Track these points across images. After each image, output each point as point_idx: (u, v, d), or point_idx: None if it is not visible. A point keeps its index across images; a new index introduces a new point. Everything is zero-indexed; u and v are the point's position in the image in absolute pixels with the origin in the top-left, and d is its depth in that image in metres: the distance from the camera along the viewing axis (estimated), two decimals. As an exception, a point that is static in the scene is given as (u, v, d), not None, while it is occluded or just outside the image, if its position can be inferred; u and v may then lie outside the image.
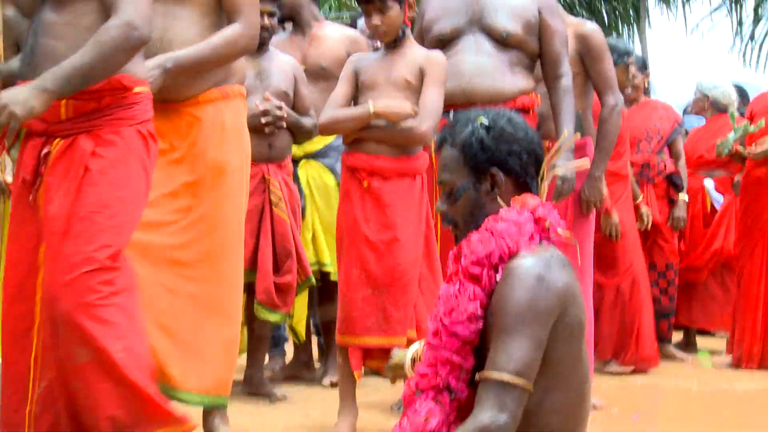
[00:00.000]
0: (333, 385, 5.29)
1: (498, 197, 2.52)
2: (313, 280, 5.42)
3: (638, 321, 6.29)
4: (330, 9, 15.18)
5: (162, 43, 3.70)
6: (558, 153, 2.65)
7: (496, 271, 2.38)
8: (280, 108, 5.10)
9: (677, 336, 7.56)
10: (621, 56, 6.29)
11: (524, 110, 4.57)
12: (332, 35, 5.81)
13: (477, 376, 2.33)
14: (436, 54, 4.45)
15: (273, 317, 5.15)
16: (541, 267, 2.35)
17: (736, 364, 6.63)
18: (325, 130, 4.60)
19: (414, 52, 4.44)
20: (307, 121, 5.33)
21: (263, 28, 5.03)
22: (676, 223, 7.00)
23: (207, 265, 3.88)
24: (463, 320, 2.38)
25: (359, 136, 4.38)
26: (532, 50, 4.72)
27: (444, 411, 2.39)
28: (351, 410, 4.32)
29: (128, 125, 3.46)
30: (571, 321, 2.39)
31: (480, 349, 2.41)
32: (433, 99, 4.32)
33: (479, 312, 2.38)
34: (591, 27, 5.37)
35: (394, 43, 4.45)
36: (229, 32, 3.83)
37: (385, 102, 4.31)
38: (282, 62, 5.42)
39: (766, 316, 6.54)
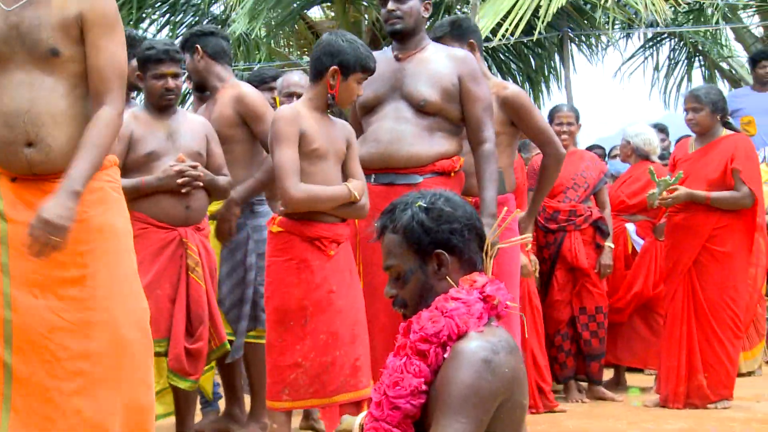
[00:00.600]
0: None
1: (446, 277, 2.55)
2: (228, 346, 5.25)
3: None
4: (260, 60, 14.80)
5: (30, 116, 3.50)
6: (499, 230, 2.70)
7: (444, 350, 2.41)
8: (195, 167, 4.96)
9: (608, 374, 7.61)
10: (551, 117, 6.84)
11: (445, 173, 4.66)
12: (223, 98, 5.64)
13: None
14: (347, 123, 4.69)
15: (183, 384, 4.95)
16: (489, 351, 2.38)
17: (663, 405, 6.64)
18: (301, 205, 4.30)
19: (338, 121, 4.62)
20: (221, 180, 5.21)
21: (167, 89, 5.07)
22: (603, 270, 7.05)
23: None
24: (406, 394, 2.41)
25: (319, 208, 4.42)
26: (454, 116, 4.77)
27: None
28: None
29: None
30: (514, 405, 2.43)
31: (421, 423, 2.44)
32: (362, 173, 4.55)
33: (423, 388, 2.41)
34: (512, 90, 5.42)
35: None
36: (106, 120, 3.56)
37: (357, 185, 4.43)
38: (192, 122, 5.35)
39: (689, 357, 6.58)
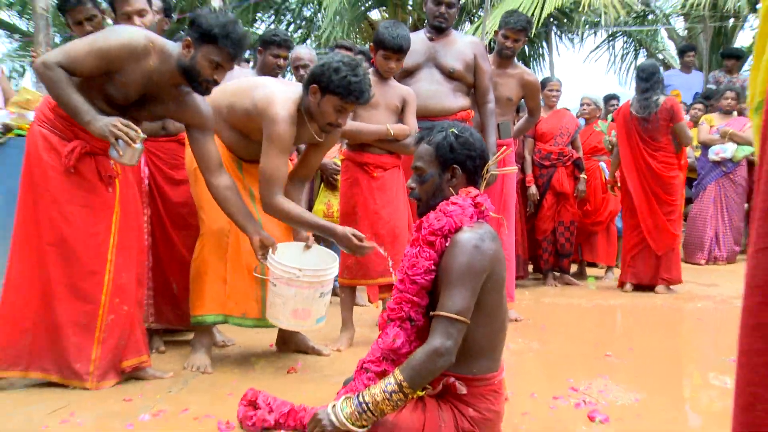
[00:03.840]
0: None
1: (452, 187, 2.58)
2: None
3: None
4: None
5: None
6: (494, 162, 2.70)
7: (446, 240, 2.46)
8: None
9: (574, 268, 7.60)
10: (544, 85, 6.66)
11: (463, 120, 4.62)
12: None
13: (431, 314, 2.42)
14: (411, 91, 4.46)
15: None
16: (477, 239, 2.43)
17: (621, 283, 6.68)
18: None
19: (398, 86, 4.42)
20: None
21: (278, 66, 4.87)
22: (580, 194, 6.98)
23: None
24: (421, 272, 2.47)
25: (366, 140, 4.31)
26: (469, 82, 4.79)
27: (406, 334, 2.51)
28: (350, 328, 4.36)
29: None
30: (497, 277, 2.49)
31: (432, 293, 2.49)
32: (415, 125, 4.35)
33: (432, 267, 2.47)
34: (533, 78, 5.51)
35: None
36: None
37: (399, 126, 4.30)
38: None
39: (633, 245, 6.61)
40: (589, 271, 7.69)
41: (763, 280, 0.78)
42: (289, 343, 4.11)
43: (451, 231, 2.46)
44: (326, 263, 3.57)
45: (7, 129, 3.74)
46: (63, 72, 3.16)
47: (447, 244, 2.46)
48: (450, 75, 4.72)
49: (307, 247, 3.71)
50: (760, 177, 0.89)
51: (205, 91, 3.35)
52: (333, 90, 3.47)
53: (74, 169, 3.29)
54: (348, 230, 3.49)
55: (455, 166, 2.58)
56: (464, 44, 4.83)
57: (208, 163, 3.52)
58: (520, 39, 5.26)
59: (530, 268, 7.41)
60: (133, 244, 3.53)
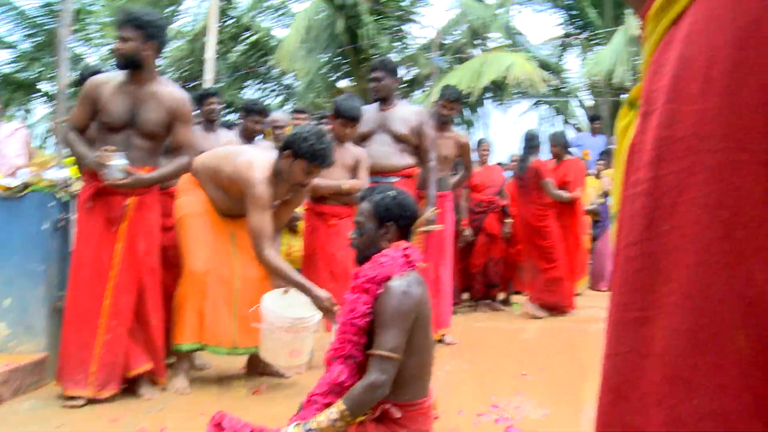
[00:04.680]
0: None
1: (387, 240, 2.50)
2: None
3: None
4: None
5: None
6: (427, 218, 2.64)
7: (379, 287, 2.38)
8: None
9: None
10: (478, 144, 6.67)
11: (408, 176, 4.61)
12: None
13: (368, 352, 2.34)
14: (363, 151, 4.42)
15: None
16: (405, 286, 2.36)
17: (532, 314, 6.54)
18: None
19: (353, 148, 4.37)
20: None
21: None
22: (506, 236, 6.94)
23: None
24: (359, 315, 2.38)
25: (325, 194, 4.27)
26: (414, 144, 4.67)
27: (349, 369, 2.40)
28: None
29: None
30: (423, 317, 2.42)
31: (369, 332, 2.39)
32: (367, 180, 4.31)
33: (368, 311, 2.38)
34: (466, 139, 5.45)
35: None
36: None
37: (353, 182, 4.25)
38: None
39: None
40: (514, 298, 7.62)
41: (615, 383, 0.70)
42: (257, 367, 3.98)
43: (383, 279, 2.38)
44: (310, 307, 3.41)
45: (26, 186, 3.73)
46: (73, 132, 3.42)
47: (380, 291, 2.38)
48: (398, 138, 4.63)
49: (285, 291, 3.56)
50: (623, 203, 0.75)
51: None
52: (303, 155, 3.46)
53: (90, 206, 3.38)
54: (324, 293, 3.33)
55: (389, 223, 2.52)
56: (410, 112, 4.74)
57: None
58: (454, 108, 5.21)
59: (466, 296, 7.31)
60: (138, 273, 3.46)
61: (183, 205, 3.75)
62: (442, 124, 5.23)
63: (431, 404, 2.55)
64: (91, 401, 3.29)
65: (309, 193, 4.25)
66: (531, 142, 6.46)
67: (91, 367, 3.29)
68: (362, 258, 2.53)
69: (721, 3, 0.65)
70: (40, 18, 13.80)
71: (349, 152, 4.32)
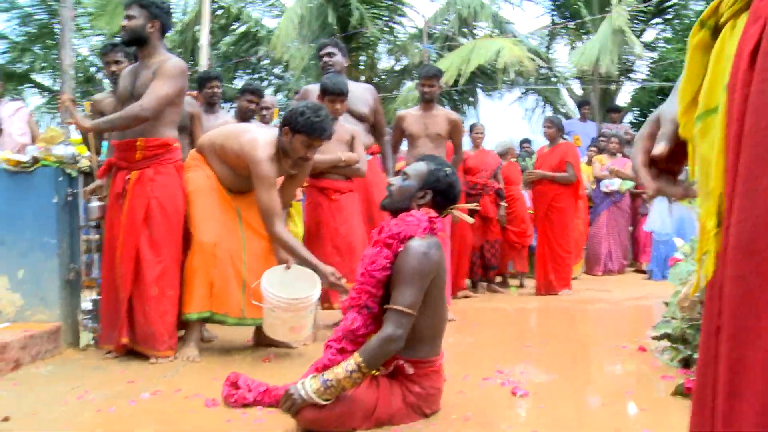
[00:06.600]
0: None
1: (419, 203, 2.60)
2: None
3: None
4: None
5: None
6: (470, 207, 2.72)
7: (401, 244, 2.46)
8: None
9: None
10: (471, 129, 6.73)
11: (372, 154, 4.81)
12: None
13: (385, 307, 2.42)
14: (357, 128, 4.51)
15: None
16: (426, 247, 2.45)
17: (537, 293, 6.73)
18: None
19: (346, 125, 4.42)
20: None
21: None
22: (502, 220, 7.03)
23: None
24: (378, 268, 2.47)
25: (326, 169, 4.29)
26: (372, 121, 4.81)
27: (363, 319, 2.50)
28: (315, 325, 4.27)
29: (171, 163, 3.64)
30: (440, 279, 2.53)
31: (386, 286, 2.48)
32: (364, 154, 4.38)
33: (388, 265, 2.47)
34: (457, 116, 5.35)
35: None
36: None
37: (350, 155, 4.27)
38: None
39: (543, 265, 6.71)
40: (511, 281, 7.69)
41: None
42: (263, 339, 4.02)
43: (406, 237, 2.47)
44: (311, 283, 3.49)
45: (35, 161, 3.76)
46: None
47: (401, 249, 2.45)
48: (360, 118, 4.71)
49: (287, 267, 3.62)
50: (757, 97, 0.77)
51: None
52: (300, 130, 3.49)
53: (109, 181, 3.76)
54: (329, 269, 3.48)
55: (429, 190, 2.59)
56: (364, 90, 4.86)
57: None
58: (434, 84, 5.13)
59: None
60: (136, 243, 3.56)
61: (190, 181, 3.79)
62: (426, 102, 5.19)
63: (442, 363, 2.64)
64: (109, 367, 3.45)
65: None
66: (560, 125, 6.92)
67: (119, 324, 3.55)
68: (388, 205, 2.62)
69: None
70: (33, 9, 13.74)
71: (343, 128, 4.35)
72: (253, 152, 3.54)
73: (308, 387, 2.35)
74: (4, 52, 13.45)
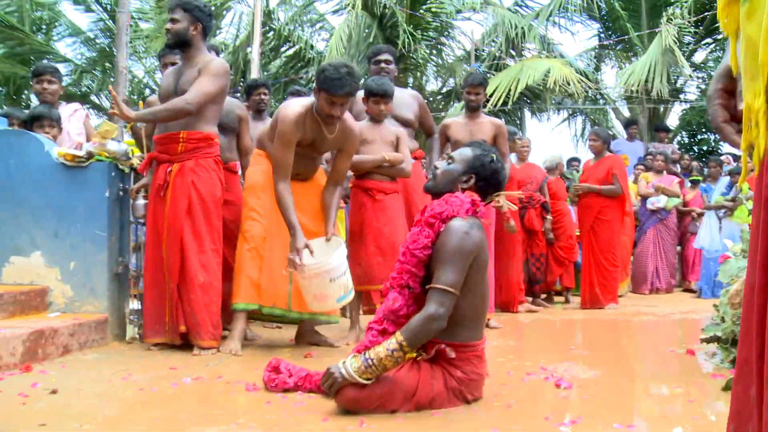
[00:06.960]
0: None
1: (462, 187, 2.58)
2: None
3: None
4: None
5: None
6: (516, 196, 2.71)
7: (443, 224, 2.45)
8: None
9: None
10: (512, 135, 6.44)
11: (416, 158, 4.85)
12: None
13: (427, 287, 2.39)
14: (403, 130, 4.50)
15: None
16: (468, 227, 2.43)
17: (582, 307, 6.60)
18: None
19: (391, 126, 4.41)
20: None
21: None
22: (547, 234, 6.93)
23: None
24: (420, 247, 2.46)
25: (371, 169, 4.26)
26: (416, 126, 4.92)
27: (404, 299, 2.48)
28: (356, 326, 4.26)
29: (211, 157, 3.70)
30: (481, 260, 2.48)
31: (427, 267, 2.47)
32: (409, 155, 4.37)
33: (430, 245, 2.45)
34: (501, 122, 5.27)
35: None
36: None
37: (395, 155, 4.24)
38: None
39: (589, 278, 6.58)
40: (556, 298, 7.56)
41: None
42: (306, 338, 4.03)
43: (448, 217, 2.45)
44: (338, 254, 3.47)
45: (90, 155, 3.87)
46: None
47: (443, 229, 2.44)
48: (404, 123, 4.74)
49: (327, 239, 3.66)
50: None
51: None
52: (320, 87, 3.48)
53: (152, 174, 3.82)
54: (302, 241, 3.46)
55: (474, 174, 2.58)
56: (408, 97, 4.94)
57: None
58: (480, 92, 5.12)
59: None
60: (180, 233, 3.61)
61: (248, 176, 3.94)
62: (472, 110, 5.17)
63: (484, 348, 2.58)
64: (153, 356, 3.49)
65: (351, 170, 4.22)
66: (606, 138, 6.92)
67: (165, 318, 3.60)
68: (431, 187, 2.62)
69: None
70: (93, 33, 14.26)
71: (387, 129, 4.34)
72: (281, 111, 3.63)
73: (349, 366, 2.34)
74: (66, 75, 13.94)
